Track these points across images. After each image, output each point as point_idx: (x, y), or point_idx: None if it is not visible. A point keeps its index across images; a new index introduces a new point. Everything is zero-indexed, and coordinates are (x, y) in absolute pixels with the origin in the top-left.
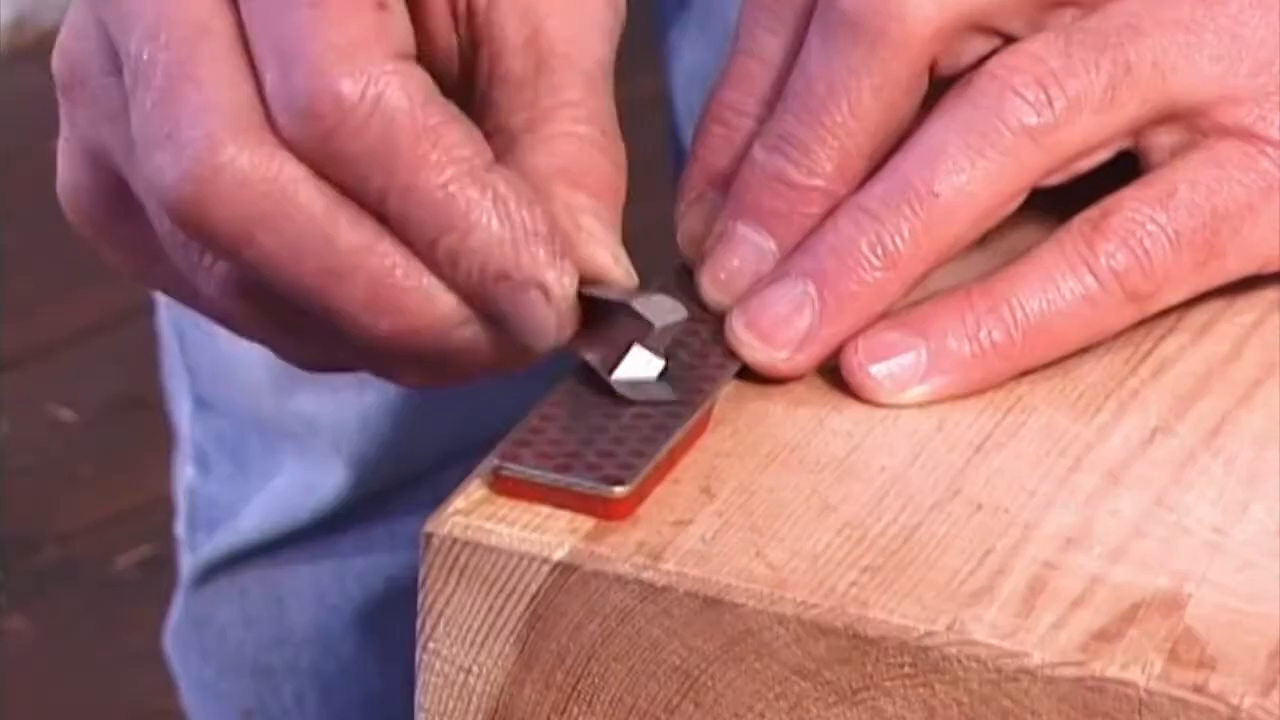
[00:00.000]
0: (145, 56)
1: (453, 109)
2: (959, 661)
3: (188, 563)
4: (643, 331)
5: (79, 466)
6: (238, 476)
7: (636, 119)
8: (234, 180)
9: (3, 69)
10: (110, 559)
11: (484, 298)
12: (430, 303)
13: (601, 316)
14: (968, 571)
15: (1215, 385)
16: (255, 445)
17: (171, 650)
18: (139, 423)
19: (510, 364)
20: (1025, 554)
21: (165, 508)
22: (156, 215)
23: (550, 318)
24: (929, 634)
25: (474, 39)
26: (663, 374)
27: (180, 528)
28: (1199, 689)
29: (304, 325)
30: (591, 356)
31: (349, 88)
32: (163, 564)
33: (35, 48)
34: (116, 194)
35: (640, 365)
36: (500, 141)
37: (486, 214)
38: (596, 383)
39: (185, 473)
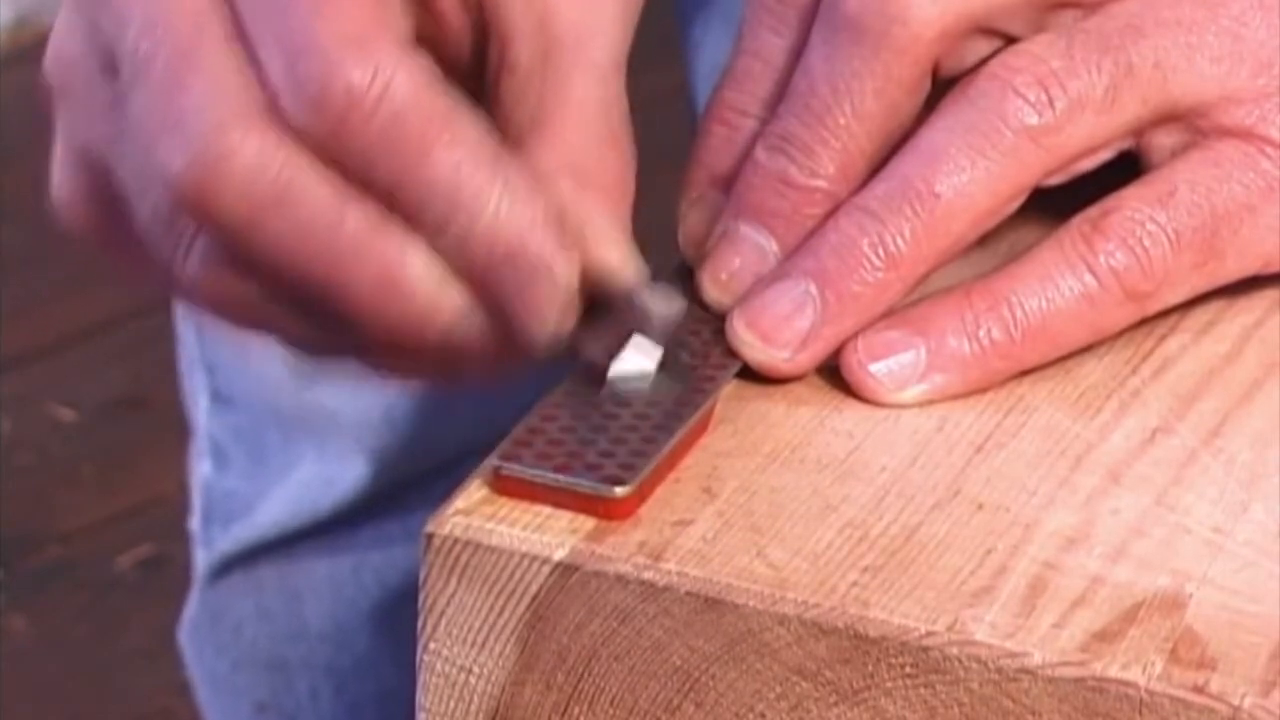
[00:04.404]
0: (143, 50)
1: (457, 97)
2: (960, 661)
3: (202, 557)
4: (640, 323)
5: (79, 466)
6: (255, 471)
7: (658, 112)
8: (243, 166)
9: (3, 69)
10: (110, 559)
11: (490, 282)
12: (438, 290)
13: (599, 314)
14: (969, 571)
15: (1216, 385)
16: (274, 439)
17: (186, 644)
18: (139, 423)
19: (508, 361)
20: (1026, 554)
21: (165, 507)
22: (147, 204)
23: (554, 304)
24: (930, 634)
25: (483, 24)
26: (661, 366)
27: (195, 522)
28: (1199, 689)
29: (291, 312)
30: (589, 351)
31: (358, 76)
32: (163, 564)
33: (36, 47)
34: (110, 196)
35: (638, 357)
36: (508, 137)
37: (497, 197)
38: (597, 382)
39: (201, 468)
